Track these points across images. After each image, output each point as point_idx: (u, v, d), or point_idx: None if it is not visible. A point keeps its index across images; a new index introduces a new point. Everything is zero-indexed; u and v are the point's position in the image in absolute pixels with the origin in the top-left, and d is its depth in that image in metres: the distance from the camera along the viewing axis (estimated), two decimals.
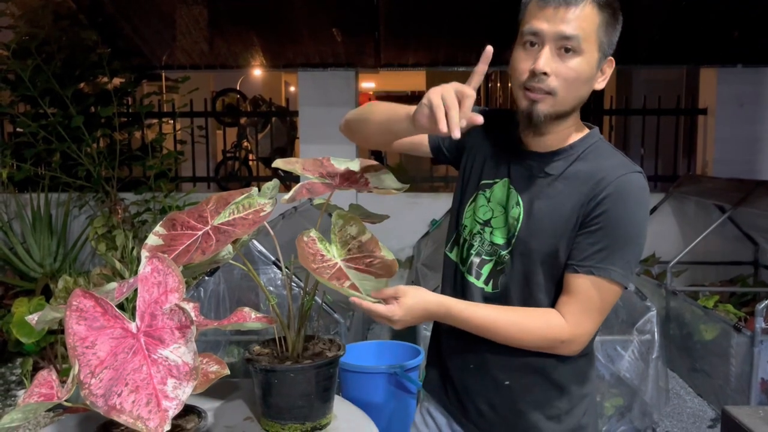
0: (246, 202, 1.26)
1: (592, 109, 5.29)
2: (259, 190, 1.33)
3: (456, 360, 1.35)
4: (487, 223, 1.29)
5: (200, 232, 1.22)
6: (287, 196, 1.28)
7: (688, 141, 5.21)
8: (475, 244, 1.30)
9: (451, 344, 1.36)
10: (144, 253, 1.17)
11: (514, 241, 1.24)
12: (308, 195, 1.30)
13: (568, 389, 1.28)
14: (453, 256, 1.37)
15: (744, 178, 4.25)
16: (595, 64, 1.18)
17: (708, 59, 4.86)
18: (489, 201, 1.30)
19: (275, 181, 1.33)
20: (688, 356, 3.64)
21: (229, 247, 1.27)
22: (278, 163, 1.38)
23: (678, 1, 4.33)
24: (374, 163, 1.41)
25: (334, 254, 1.25)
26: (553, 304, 1.23)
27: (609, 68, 1.22)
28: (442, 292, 1.38)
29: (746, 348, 3.06)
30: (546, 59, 1.15)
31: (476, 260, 1.30)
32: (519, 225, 1.24)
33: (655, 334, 2.74)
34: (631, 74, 6.38)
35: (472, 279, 1.31)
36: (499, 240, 1.27)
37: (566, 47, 1.15)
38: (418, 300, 1.19)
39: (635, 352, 2.72)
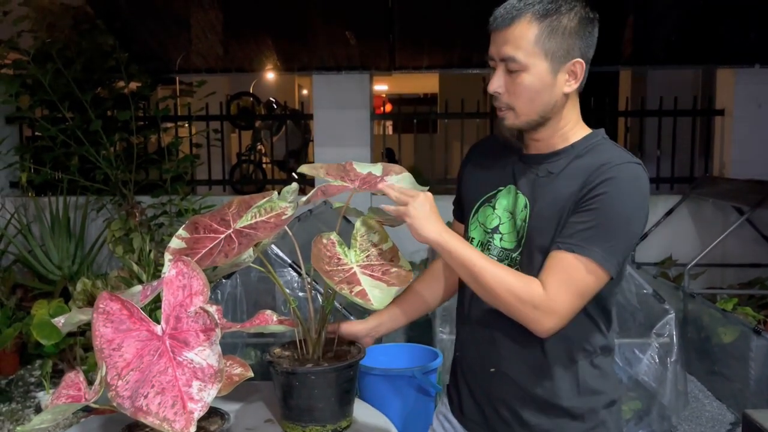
0: (268, 205, 1.27)
1: (607, 111, 5.26)
2: (278, 194, 1.34)
3: (474, 368, 1.36)
4: (495, 230, 1.31)
5: (223, 236, 1.23)
6: (304, 198, 1.29)
7: (705, 142, 5.17)
8: (485, 252, 1.31)
9: (470, 353, 1.37)
10: (167, 256, 1.18)
11: (523, 241, 1.26)
12: (323, 197, 1.31)
13: (592, 390, 1.28)
14: None
15: (762, 179, 4.20)
16: (546, 74, 1.22)
17: (725, 59, 4.81)
18: (495, 209, 1.32)
19: (295, 185, 1.34)
20: (707, 359, 3.61)
21: (250, 250, 1.28)
22: (303, 168, 1.39)
23: (694, 2, 4.30)
24: (395, 166, 1.41)
25: (351, 259, 1.25)
26: None
27: (578, 69, 1.23)
28: (458, 307, 1.41)
29: (766, 351, 3.03)
30: (495, 80, 1.24)
31: None
32: (526, 226, 1.26)
33: (674, 337, 2.72)
34: (647, 75, 6.33)
35: None
36: (510, 244, 1.28)
37: (510, 67, 1.22)
38: (432, 202, 1.26)
39: (653, 355, 2.71)
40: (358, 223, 1.31)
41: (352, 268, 1.24)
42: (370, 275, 1.23)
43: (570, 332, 1.23)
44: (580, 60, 1.23)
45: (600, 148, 1.26)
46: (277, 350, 1.42)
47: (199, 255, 1.18)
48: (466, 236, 1.37)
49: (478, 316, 1.33)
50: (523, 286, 1.18)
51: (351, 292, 1.18)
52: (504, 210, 1.30)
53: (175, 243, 1.23)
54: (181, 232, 1.25)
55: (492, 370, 1.31)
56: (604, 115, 5.23)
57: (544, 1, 1.20)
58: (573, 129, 1.28)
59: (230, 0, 4.49)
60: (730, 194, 4.35)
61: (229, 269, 1.37)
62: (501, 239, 1.29)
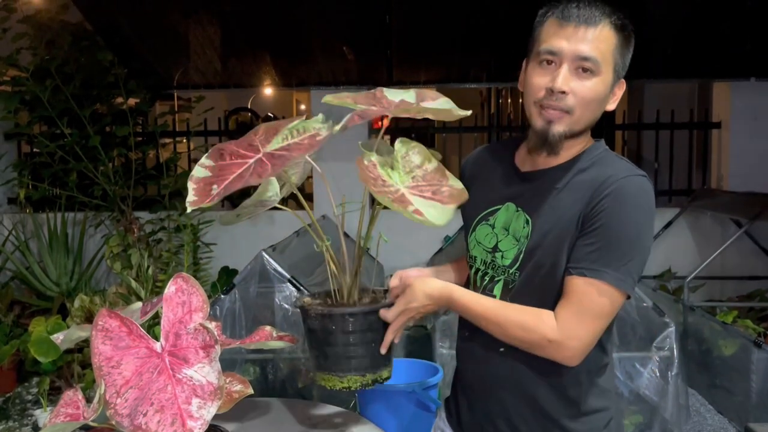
0: (300, 126, 1.20)
1: (604, 125, 5.27)
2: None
3: (474, 384, 1.34)
4: (495, 248, 1.29)
5: (252, 160, 1.16)
6: (339, 125, 1.21)
7: (702, 155, 5.19)
8: (489, 271, 1.30)
9: (470, 369, 1.36)
10: (191, 185, 1.12)
11: (521, 256, 1.24)
12: (360, 121, 1.22)
13: (593, 406, 1.27)
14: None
15: (760, 191, 4.21)
16: (610, 86, 1.21)
17: (721, 73, 4.84)
18: (493, 228, 1.30)
19: (321, 115, 1.27)
20: (708, 372, 3.60)
21: (276, 188, 1.22)
22: (328, 98, 1.28)
23: (690, 15, 4.33)
24: (430, 91, 1.31)
25: (396, 181, 1.17)
26: None
27: (620, 90, 1.24)
28: (459, 321, 1.38)
29: (767, 363, 3.02)
30: (564, 78, 1.17)
31: (487, 283, 1.30)
32: (527, 242, 1.23)
33: (674, 350, 2.71)
34: (644, 89, 6.37)
35: None
36: (509, 261, 1.27)
37: (584, 67, 1.17)
38: (423, 281, 1.24)
39: (654, 368, 2.70)
40: (398, 144, 1.23)
41: (399, 190, 1.15)
42: (420, 196, 1.15)
43: None
44: (623, 81, 1.24)
45: (604, 160, 1.24)
46: (307, 299, 1.31)
47: (228, 180, 1.11)
48: (468, 256, 1.36)
49: (479, 334, 1.32)
50: (533, 321, 1.16)
51: (406, 209, 1.10)
52: (501, 227, 1.28)
53: (199, 171, 1.15)
54: (204, 160, 1.17)
55: (490, 389, 1.29)
56: (602, 128, 5.25)
57: (615, 15, 1.19)
58: (581, 144, 1.27)
59: (228, 16, 4.51)
60: (728, 207, 4.36)
61: (253, 210, 1.29)
62: (502, 257, 1.27)
